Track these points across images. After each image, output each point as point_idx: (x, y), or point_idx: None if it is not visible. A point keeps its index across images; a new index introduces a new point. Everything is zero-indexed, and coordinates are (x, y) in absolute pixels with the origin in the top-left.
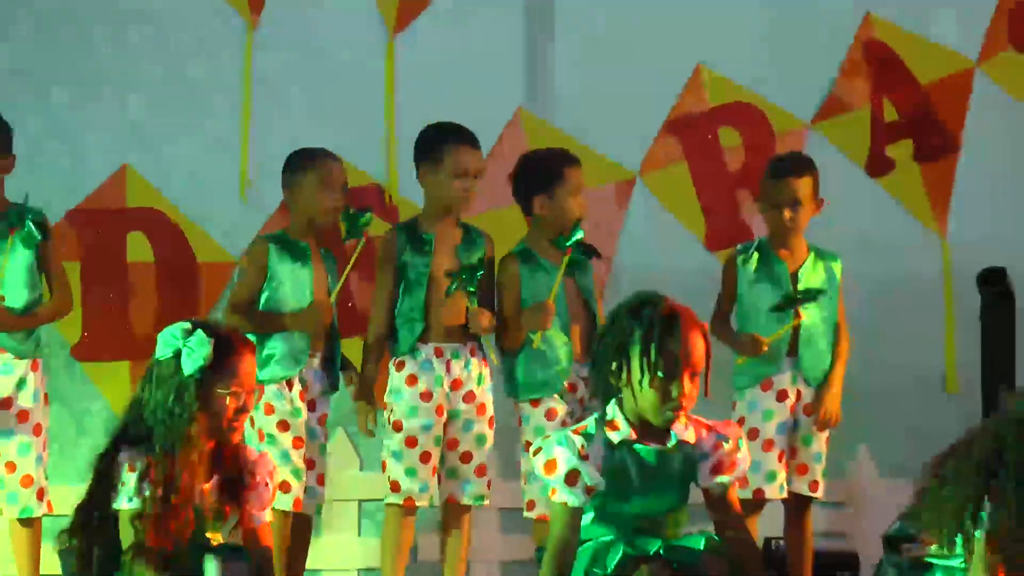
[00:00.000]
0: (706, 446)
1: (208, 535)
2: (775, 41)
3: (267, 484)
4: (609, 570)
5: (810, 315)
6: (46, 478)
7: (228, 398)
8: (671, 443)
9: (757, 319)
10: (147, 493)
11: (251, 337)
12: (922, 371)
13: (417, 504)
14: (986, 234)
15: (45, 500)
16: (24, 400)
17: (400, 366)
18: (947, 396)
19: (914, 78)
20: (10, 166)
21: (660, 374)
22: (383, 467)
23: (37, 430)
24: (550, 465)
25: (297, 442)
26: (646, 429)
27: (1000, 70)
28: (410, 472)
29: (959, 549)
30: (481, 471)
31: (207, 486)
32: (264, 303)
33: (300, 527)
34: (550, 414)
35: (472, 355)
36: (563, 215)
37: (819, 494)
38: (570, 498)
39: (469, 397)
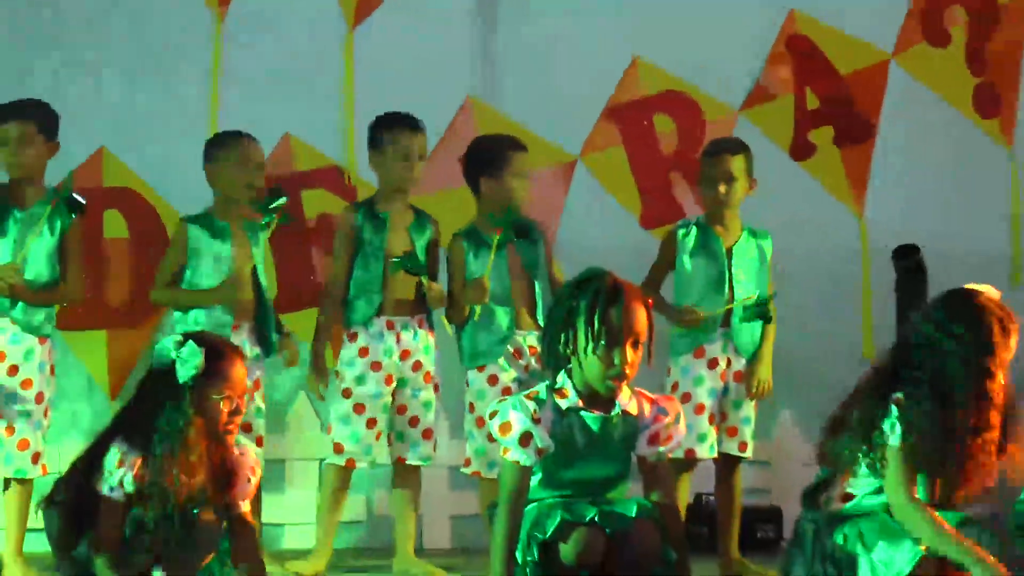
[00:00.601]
0: (647, 418)
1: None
2: (706, 35)
3: (249, 479)
4: (548, 534)
5: (743, 289)
6: (44, 443)
7: (222, 402)
8: (615, 412)
9: (693, 291)
10: (130, 491)
11: (176, 312)
12: (841, 339)
13: (357, 465)
14: (900, 213)
15: (40, 464)
16: (29, 369)
17: (353, 337)
18: (864, 362)
19: (834, 69)
20: (54, 150)
21: (603, 342)
22: (328, 430)
23: (39, 398)
24: (505, 427)
25: None
26: (593, 398)
27: (914, 62)
28: (354, 436)
29: (869, 468)
30: (428, 434)
31: (195, 481)
32: (186, 281)
33: None
34: (491, 380)
35: (420, 327)
36: (507, 196)
37: (748, 454)
38: (522, 457)
39: (417, 366)
